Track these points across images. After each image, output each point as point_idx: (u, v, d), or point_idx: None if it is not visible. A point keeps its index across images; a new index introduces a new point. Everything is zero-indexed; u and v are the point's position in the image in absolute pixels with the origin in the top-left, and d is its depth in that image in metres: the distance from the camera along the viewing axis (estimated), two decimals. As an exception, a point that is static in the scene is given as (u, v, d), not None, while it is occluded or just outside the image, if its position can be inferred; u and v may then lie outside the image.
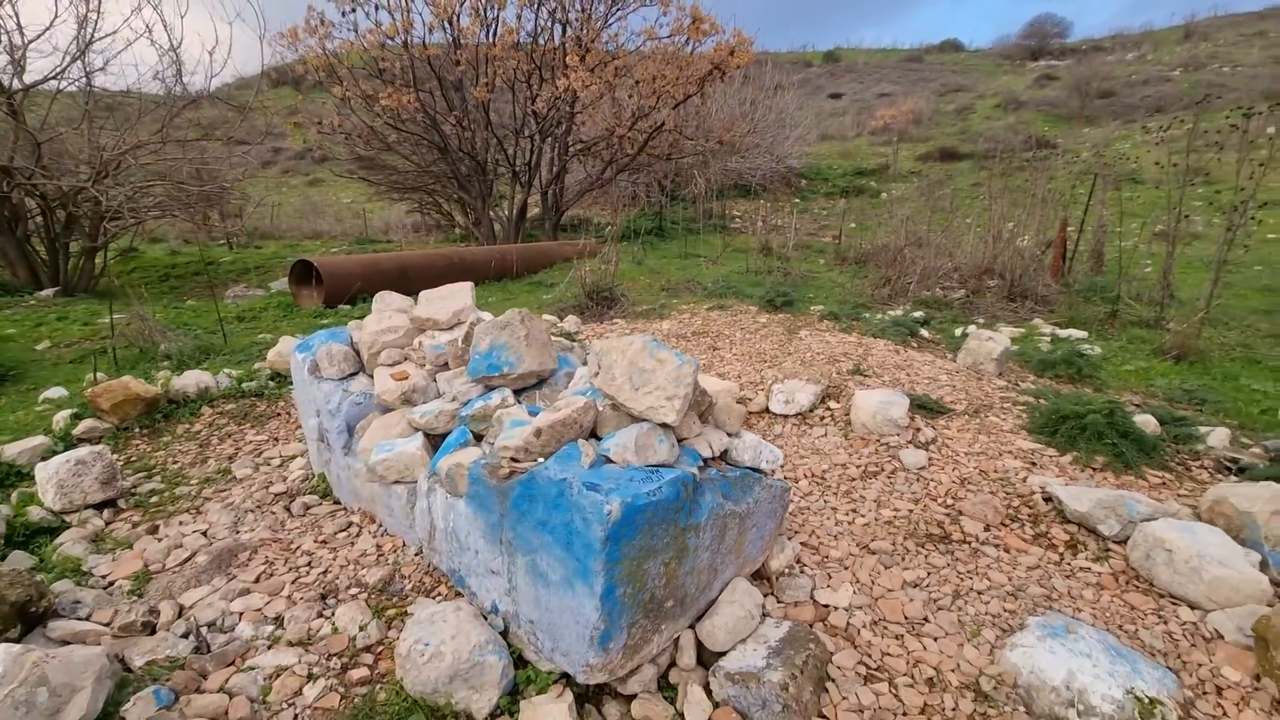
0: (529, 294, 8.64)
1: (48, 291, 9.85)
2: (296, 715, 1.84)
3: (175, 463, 3.59)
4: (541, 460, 2.02)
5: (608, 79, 12.43)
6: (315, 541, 2.70)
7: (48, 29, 10.06)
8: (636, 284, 8.35)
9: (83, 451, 3.05)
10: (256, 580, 2.42)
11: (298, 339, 5.16)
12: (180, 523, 2.97)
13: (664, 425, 1.96)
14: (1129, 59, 30.23)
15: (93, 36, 10.10)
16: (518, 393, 2.56)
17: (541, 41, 12.79)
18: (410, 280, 8.08)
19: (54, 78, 10.18)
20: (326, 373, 3.13)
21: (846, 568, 2.40)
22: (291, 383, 4.71)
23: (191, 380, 4.30)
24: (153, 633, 2.16)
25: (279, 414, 4.26)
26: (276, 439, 3.91)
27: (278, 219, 23.06)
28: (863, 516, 2.71)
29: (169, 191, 10.63)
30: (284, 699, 1.89)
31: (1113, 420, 3.44)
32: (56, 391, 4.50)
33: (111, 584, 2.47)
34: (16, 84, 9.85)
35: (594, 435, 2.10)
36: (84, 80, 10.51)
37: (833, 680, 1.92)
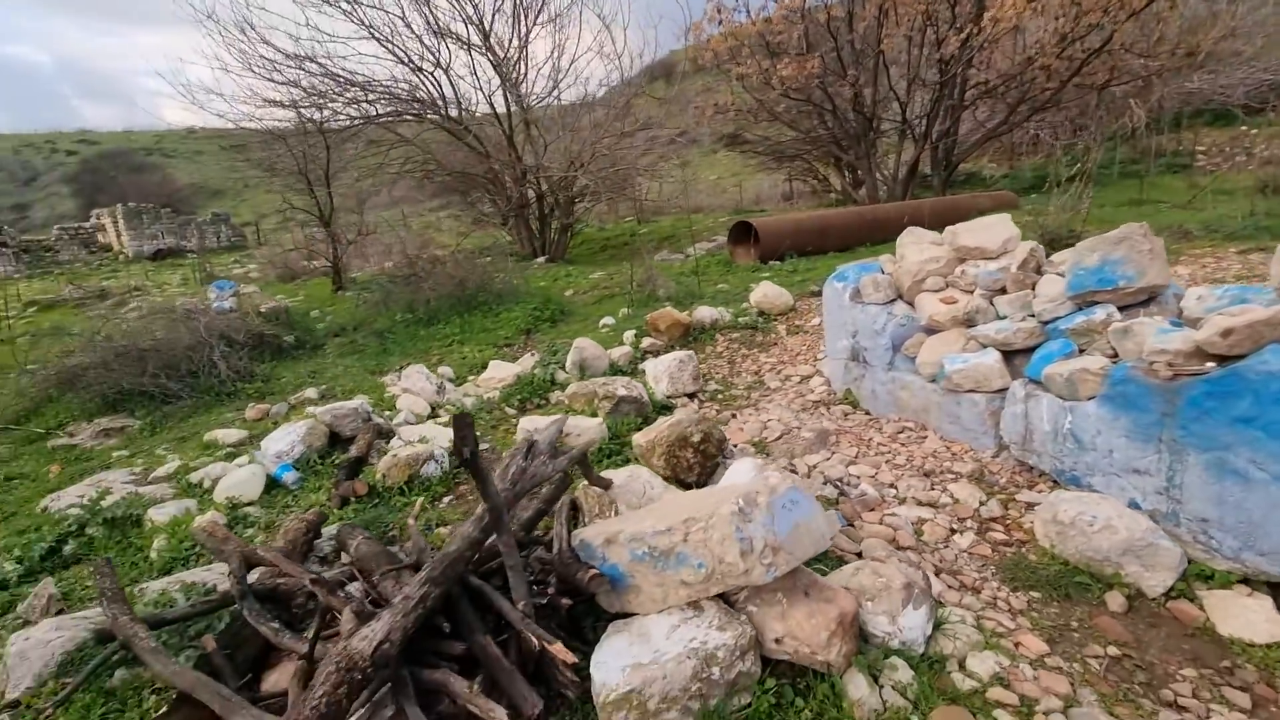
0: (946, 248, 8.24)
1: (541, 259, 13.10)
2: (956, 555, 2.23)
3: (718, 373, 4.55)
4: (1211, 365, 1.99)
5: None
6: (884, 436, 3.15)
7: (544, 63, 13.22)
8: (1088, 234, 7.26)
9: (682, 354, 4.11)
10: (855, 457, 2.96)
11: (753, 282, 5.90)
12: (749, 414, 3.78)
13: None
14: None
15: (569, 66, 13.02)
16: (1121, 309, 2.53)
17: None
18: (829, 236, 8.50)
19: (546, 98, 13.42)
20: (871, 298, 3.56)
21: None
22: (774, 319, 5.46)
23: (705, 314, 5.35)
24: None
25: (775, 344, 5.01)
26: (783, 362, 4.62)
27: (661, 197, 26.36)
28: None
29: (622, 174, 13.10)
30: (937, 540, 2.30)
31: None
32: (608, 320, 6.09)
33: (735, 445, 3.30)
34: (524, 106, 13.20)
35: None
36: (557, 96, 13.69)
37: None
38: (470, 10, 10.38)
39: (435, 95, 11.26)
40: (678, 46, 16.18)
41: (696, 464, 2.78)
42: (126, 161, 42.41)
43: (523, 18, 10.98)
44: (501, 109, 12.14)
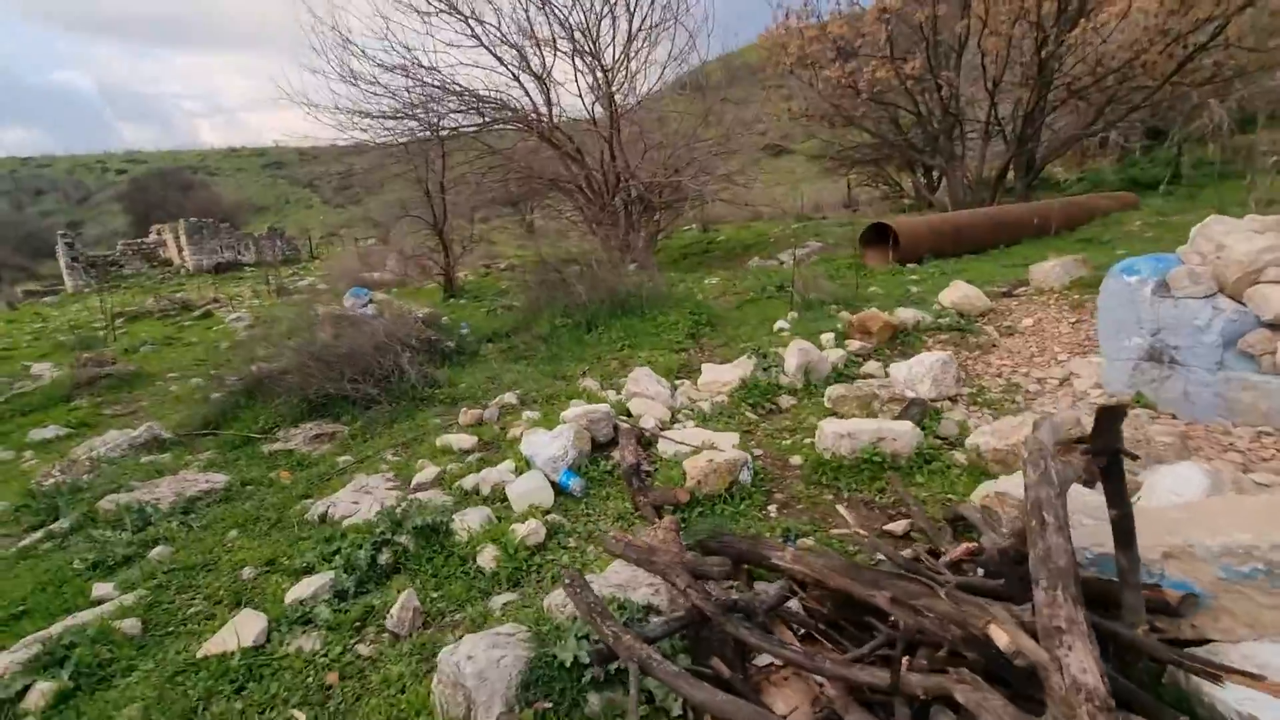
0: (1084, 249, 7.75)
1: (631, 266, 12.89)
2: None
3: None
4: None
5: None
6: (1246, 443, 2.89)
7: (637, 71, 13.10)
8: None
9: (943, 355, 3.88)
10: (1245, 464, 2.71)
11: (909, 284, 5.64)
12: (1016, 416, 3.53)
13: None
14: None
15: (659, 74, 12.98)
16: None
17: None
18: (961, 238, 8.23)
19: (635, 106, 13.34)
20: (1187, 292, 3.30)
21: None
22: (974, 320, 5.20)
23: (908, 315, 5.12)
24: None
25: (993, 345, 4.76)
26: (1020, 364, 4.36)
27: (713, 206, 26.09)
28: None
29: (712, 179, 12.95)
30: None
31: None
32: (782, 324, 5.85)
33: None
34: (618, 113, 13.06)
35: None
36: (640, 103, 13.63)
37: None
38: (580, 18, 10.37)
39: (535, 104, 11.24)
40: (728, 51, 16.05)
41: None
42: (175, 180, 43.28)
43: (627, 29, 10.96)
44: (599, 115, 12.09)
